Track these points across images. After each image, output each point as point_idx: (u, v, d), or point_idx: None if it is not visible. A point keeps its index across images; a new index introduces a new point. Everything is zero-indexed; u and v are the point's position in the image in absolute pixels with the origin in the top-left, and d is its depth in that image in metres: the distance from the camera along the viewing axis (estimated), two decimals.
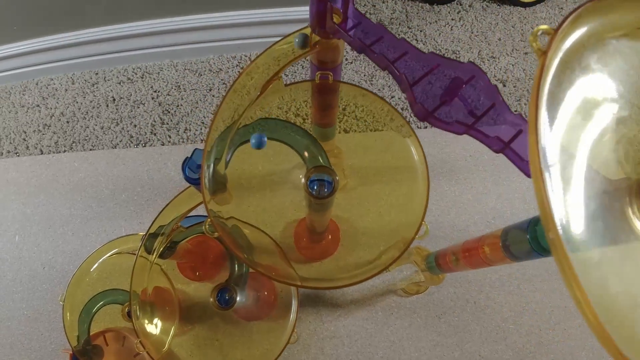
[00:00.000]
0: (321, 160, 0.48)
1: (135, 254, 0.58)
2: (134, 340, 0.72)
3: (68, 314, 0.67)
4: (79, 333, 0.69)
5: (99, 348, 0.72)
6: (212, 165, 0.43)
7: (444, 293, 0.76)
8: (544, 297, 0.78)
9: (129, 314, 0.70)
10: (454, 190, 0.80)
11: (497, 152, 0.33)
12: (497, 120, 0.36)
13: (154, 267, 0.60)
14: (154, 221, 0.56)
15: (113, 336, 0.73)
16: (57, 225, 0.80)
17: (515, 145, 0.32)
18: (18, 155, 0.87)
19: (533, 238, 0.36)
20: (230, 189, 0.48)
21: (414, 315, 0.75)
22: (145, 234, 0.56)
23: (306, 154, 0.50)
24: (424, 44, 0.91)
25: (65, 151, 0.84)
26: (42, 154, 0.86)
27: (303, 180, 0.44)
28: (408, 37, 0.91)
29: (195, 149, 0.47)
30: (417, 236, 0.44)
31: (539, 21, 0.97)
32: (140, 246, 0.57)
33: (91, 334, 0.70)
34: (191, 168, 0.46)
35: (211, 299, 0.54)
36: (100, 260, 0.68)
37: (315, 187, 0.43)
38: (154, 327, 0.60)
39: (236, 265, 0.57)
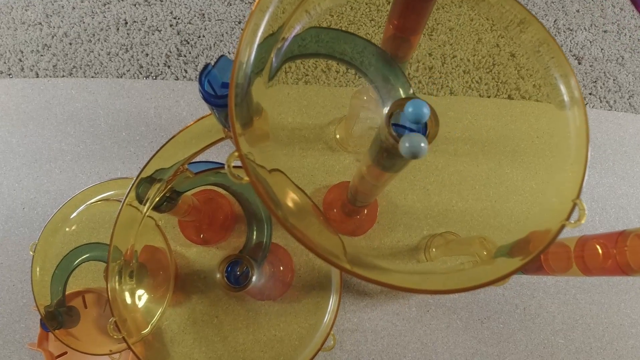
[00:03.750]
0: (401, 91, 0.30)
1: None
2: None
3: (38, 269, 0.50)
4: (51, 292, 0.52)
5: (74, 310, 0.55)
6: (248, 80, 0.25)
7: (491, 294, 0.59)
8: (600, 311, 0.61)
9: None
10: (516, 175, 0.62)
11: None
12: None
13: (146, 220, 0.42)
14: (149, 160, 0.38)
15: (94, 298, 0.57)
16: (44, 160, 0.63)
17: None
18: (11, 77, 0.70)
19: None
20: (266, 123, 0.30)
21: (454, 316, 0.58)
22: (137, 177, 0.39)
23: (379, 80, 0.32)
24: None
25: (63, 76, 0.66)
26: (37, 77, 0.68)
27: (384, 112, 0.26)
28: None
29: (222, 55, 0.29)
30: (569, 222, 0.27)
31: None
32: (129, 192, 0.40)
33: (67, 292, 0.53)
34: (212, 83, 0.28)
35: (218, 275, 0.37)
36: (84, 206, 0.51)
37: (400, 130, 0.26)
38: (137, 297, 0.43)
39: (254, 232, 0.40)
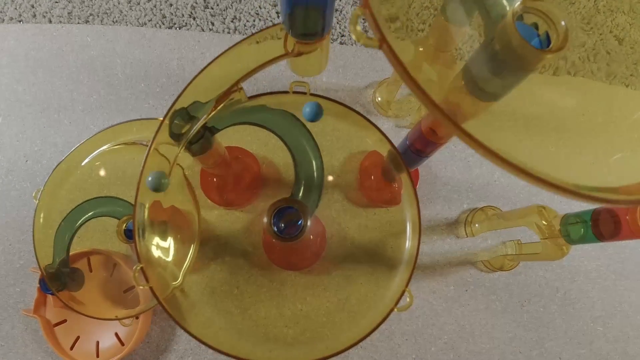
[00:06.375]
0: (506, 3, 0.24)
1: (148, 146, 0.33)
2: (128, 270, 0.47)
3: (42, 220, 0.43)
4: (54, 250, 0.45)
5: (79, 273, 0.48)
6: None
7: (532, 276, 0.53)
8: (638, 299, 0.56)
9: (126, 233, 0.45)
10: (560, 153, 0.56)
11: None
12: None
13: (175, 170, 0.35)
14: (185, 88, 0.32)
15: (101, 260, 0.49)
16: (52, 109, 0.55)
17: None
18: (22, 23, 0.62)
19: None
20: None
21: (493, 297, 0.51)
22: (170, 108, 0.32)
23: None
24: None
25: (79, 23, 0.59)
26: (50, 23, 0.60)
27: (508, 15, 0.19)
28: None
29: None
30: None
31: None
32: (158, 130, 0.32)
33: (71, 253, 0.46)
34: None
35: (265, 220, 0.30)
36: (98, 152, 0.43)
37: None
38: (162, 254, 0.36)
39: (302, 178, 0.33)
